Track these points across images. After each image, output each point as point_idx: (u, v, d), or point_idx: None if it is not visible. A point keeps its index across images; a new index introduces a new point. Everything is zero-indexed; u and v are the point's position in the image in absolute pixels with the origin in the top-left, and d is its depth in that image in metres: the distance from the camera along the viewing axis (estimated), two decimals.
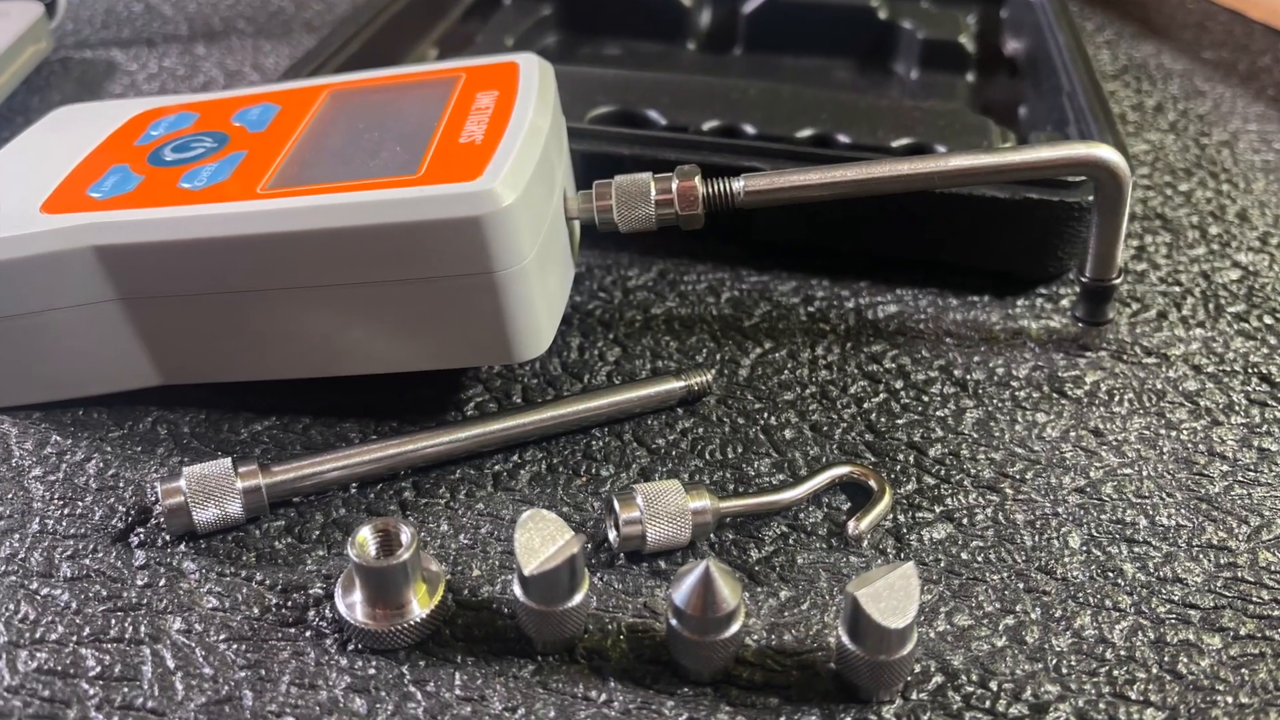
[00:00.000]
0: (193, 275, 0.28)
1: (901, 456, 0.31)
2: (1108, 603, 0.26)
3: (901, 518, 0.29)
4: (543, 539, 0.24)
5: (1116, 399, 0.33)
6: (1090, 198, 0.34)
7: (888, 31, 0.49)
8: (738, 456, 0.30)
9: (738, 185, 0.31)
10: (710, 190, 0.31)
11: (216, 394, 0.32)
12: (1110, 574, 0.27)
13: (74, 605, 0.26)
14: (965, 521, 0.28)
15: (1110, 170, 0.32)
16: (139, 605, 0.26)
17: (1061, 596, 0.26)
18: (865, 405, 0.32)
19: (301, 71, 0.41)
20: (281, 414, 0.32)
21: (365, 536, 0.25)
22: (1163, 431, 0.32)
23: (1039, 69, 0.46)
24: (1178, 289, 0.38)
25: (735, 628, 0.24)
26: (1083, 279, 0.34)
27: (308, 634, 0.25)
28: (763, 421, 0.32)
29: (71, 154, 0.32)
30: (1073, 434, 0.31)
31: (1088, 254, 0.34)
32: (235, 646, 0.25)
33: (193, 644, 0.25)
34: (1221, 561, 0.27)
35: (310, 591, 0.26)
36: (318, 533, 0.28)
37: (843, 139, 0.39)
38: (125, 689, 0.24)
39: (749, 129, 0.40)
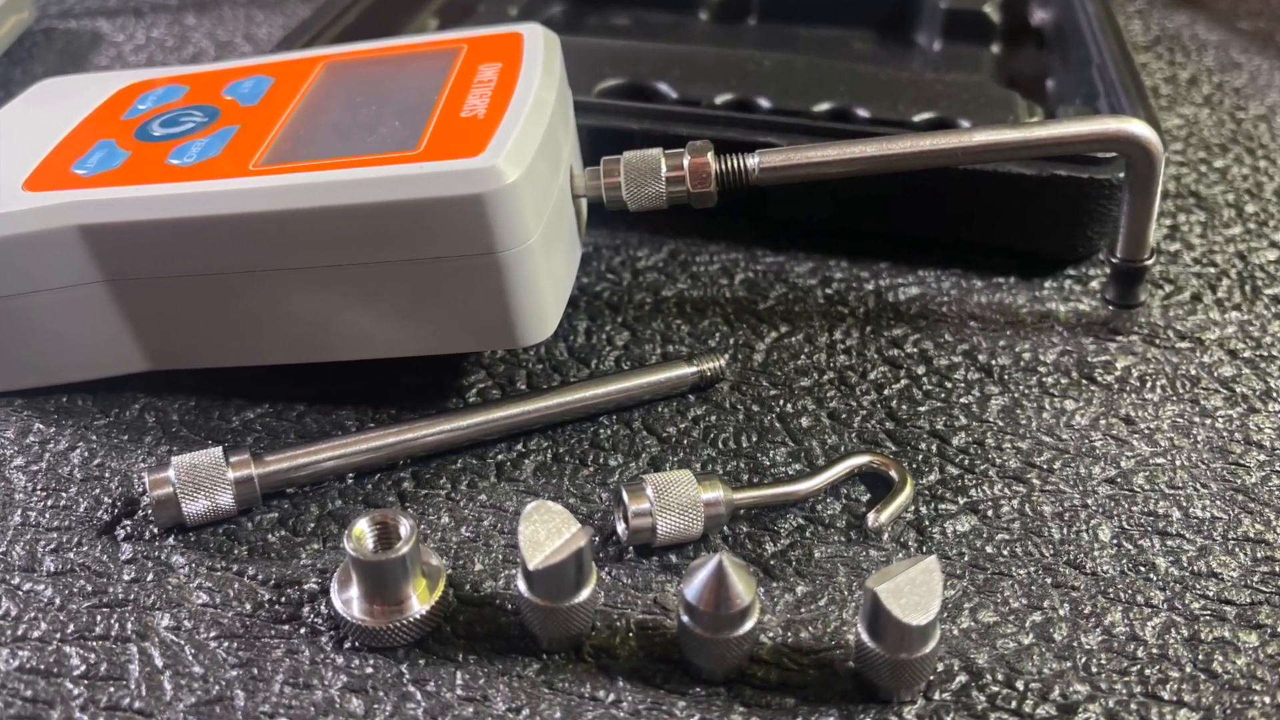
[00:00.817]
0: (182, 256, 0.28)
1: (923, 445, 0.30)
2: (1139, 598, 0.26)
3: (923, 509, 0.28)
4: (548, 532, 0.24)
5: (1148, 385, 0.32)
6: (1121, 175, 0.34)
7: (909, 0, 0.49)
8: (752, 445, 0.30)
9: (752, 162, 0.31)
10: (723, 167, 0.31)
11: (207, 380, 0.32)
12: (1142, 568, 0.27)
13: (57, 601, 0.26)
14: (990, 513, 0.28)
15: (1142, 146, 0.31)
16: (125, 601, 0.26)
17: (1091, 592, 0.26)
18: (885, 392, 0.32)
19: (296, 42, 0.41)
20: (275, 401, 0.31)
21: (362, 529, 0.25)
22: (1197, 419, 0.31)
23: (1067, 40, 0.46)
24: (1212, 270, 0.38)
25: (749, 625, 0.23)
26: (1113, 260, 0.34)
27: (302, 631, 0.25)
28: (778, 409, 0.31)
29: (55, 129, 0.32)
30: (1103, 422, 0.31)
31: (1118, 234, 0.34)
32: (226, 644, 0.25)
33: (182, 642, 0.25)
34: (1258, 555, 0.27)
35: (305, 587, 0.26)
36: (313, 525, 0.28)
37: (862, 113, 0.39)
38: (111, 688, 0.24)
39: (764, 103, 0.40)
